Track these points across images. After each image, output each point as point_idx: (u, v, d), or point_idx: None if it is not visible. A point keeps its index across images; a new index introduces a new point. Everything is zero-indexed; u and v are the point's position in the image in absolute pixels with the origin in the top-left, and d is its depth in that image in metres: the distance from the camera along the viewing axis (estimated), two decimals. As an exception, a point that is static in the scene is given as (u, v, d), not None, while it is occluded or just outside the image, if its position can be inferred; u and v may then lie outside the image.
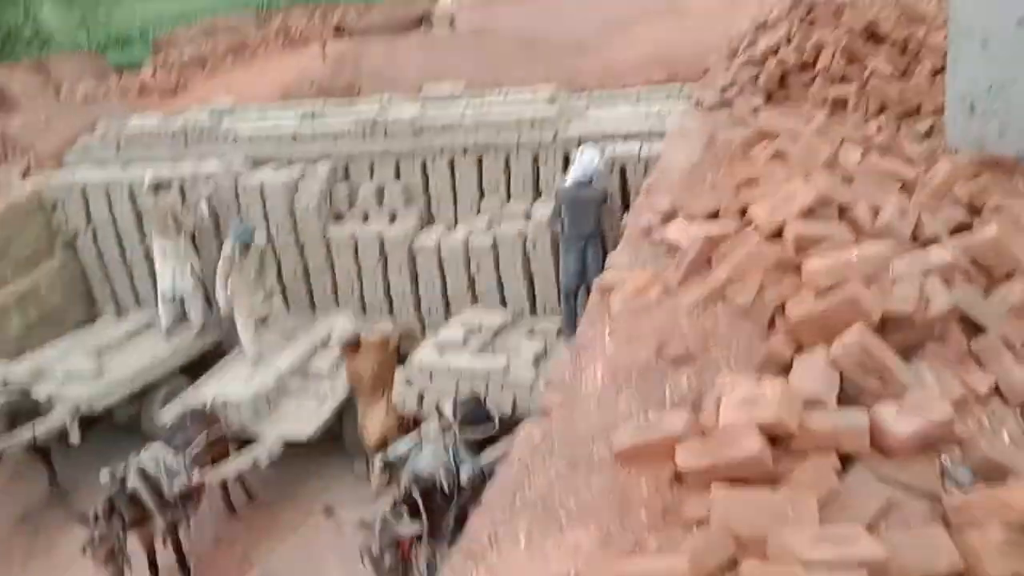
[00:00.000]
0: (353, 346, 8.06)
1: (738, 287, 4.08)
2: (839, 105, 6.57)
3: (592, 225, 8.11)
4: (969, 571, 2.56)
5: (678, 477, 3.07)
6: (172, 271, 9.43)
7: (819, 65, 6.87)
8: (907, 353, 3.38)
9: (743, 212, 4.81)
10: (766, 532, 2.61)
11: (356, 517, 5.56)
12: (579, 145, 8.87)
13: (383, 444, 7.38)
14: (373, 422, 7.80)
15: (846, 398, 3.20)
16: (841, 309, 3.29)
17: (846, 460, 2.94)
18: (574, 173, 8.19)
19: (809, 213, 4.18)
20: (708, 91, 7.86)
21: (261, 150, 10.39)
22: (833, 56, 6.79)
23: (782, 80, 7.06)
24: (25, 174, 11.45)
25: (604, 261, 5.89)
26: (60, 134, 12.08)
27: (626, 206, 8.30)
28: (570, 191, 8.12)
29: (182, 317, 9.76)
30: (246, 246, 8.93)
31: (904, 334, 3.35)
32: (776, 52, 7.16)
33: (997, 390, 3.34)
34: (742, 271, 4.16)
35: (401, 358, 8.22)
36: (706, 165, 6.07)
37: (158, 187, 9.47)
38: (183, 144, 10.76)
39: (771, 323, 3.79)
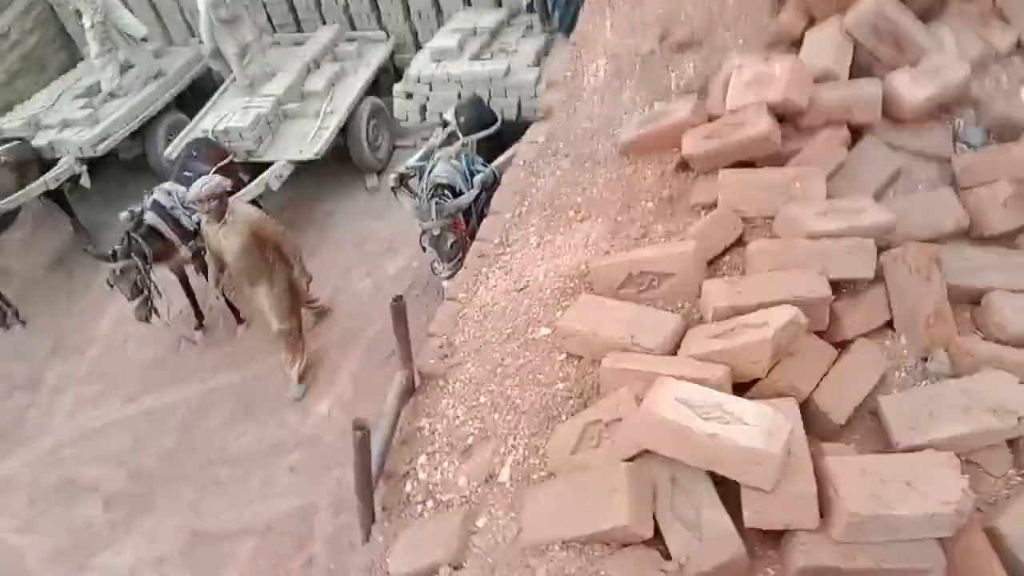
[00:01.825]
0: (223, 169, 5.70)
1: (746, -42, 3.77)
2: None
3: None
4: (975, 227, 2.62)
5: (684, 165, 3.07)
6: None
7: None
8: (927, 16, 3.18)
9: None
10: (774, 210, 2.65)
11: (412, 206, 5.61)
12: None
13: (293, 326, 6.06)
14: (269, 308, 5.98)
15: (859, 71, 3.08)
16: (857, -30, 3.04)
17: (857, 133, 2.89)
18: None
19: None
20: None
21: None
22: None
23: None
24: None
25: None
26: None
27: None
28: None
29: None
30: None
31: (925, -6, 3.12)
32: None
33: (1019, 46, 3.18)
34: (751, -61, 3.83)
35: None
36: None
37: None
38: None
39: (782, -2, 3.56)
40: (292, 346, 6.20)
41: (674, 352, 2.30)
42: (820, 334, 2.35)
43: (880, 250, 2.42)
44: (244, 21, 8.16)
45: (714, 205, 2.79)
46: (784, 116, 2.90)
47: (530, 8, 7.91)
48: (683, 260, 2.49)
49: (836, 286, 2.36)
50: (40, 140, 8.33)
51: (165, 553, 5.47)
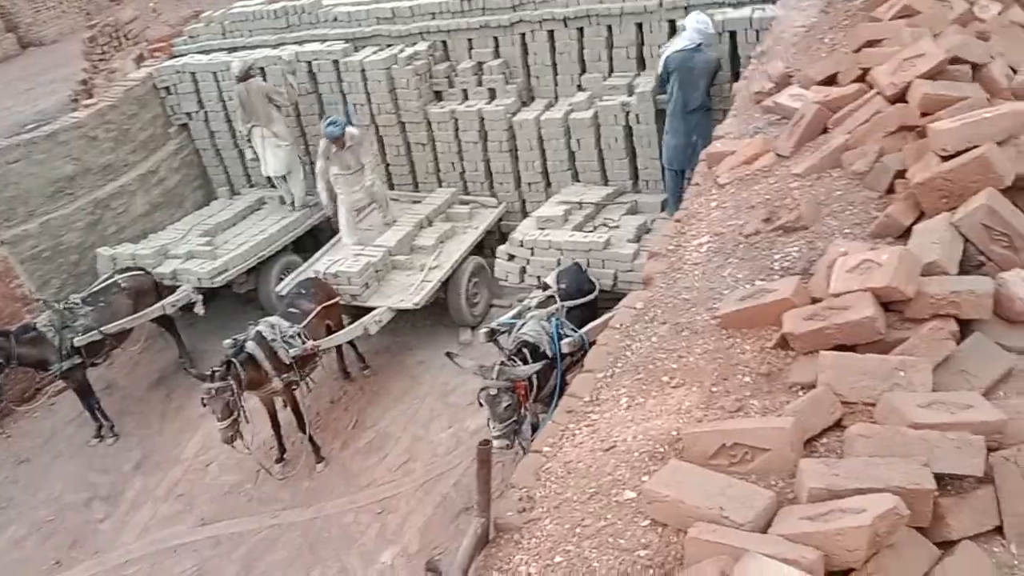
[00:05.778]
0: None
1: (855, 153, 3.89)
2: (978, -44, 5.98)
3: (703, 95, 7.74)
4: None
5: (784, 343, 3.04)
6: (272, 155, 9.50)
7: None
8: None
9: (863, 75, 4.52)
10: (875, 396, 2.58)
11: (475, 365, 5.72)
12: (687, 11, 8.44)
13: None
14: None
15: (969, 266, 3.06)
16: (969, 172, 3.08)
17: (965, 328, 2.83)
18: (683, 38, 7.74)
19: (938, 73, 3.88)
20: (828, -53, 7.27)
21: (361, 30, 10.35)
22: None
23: (913, -69, 6.43)
24: (139, 62, 11.84)
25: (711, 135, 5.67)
26: (169, 22, 12.44)
27: (735, 75, 7.92)
28: (680, 57, 7.65)
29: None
30: (336, 139, 8.75)
31: (1039, 197, 3.12)
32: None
33: None
34: (860, 136, 3.96)
35: None
36: (824, 28, 5.69)
37: (247, 75, 9.47)
38: (284, 26, 10.83)
39: (890, 189, 3.62)
40: None
41: (764, 529, 2.20)
42: (921, 531, 2.21)
43: (989, 450, 2.31)
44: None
45: (813, 386, 2.74)
46: (889, 304, 2.88)
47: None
48: (780, 436, 2.43)
49: (940, 481, 2.24)
50: (165, 268, 8.97)
51: None
